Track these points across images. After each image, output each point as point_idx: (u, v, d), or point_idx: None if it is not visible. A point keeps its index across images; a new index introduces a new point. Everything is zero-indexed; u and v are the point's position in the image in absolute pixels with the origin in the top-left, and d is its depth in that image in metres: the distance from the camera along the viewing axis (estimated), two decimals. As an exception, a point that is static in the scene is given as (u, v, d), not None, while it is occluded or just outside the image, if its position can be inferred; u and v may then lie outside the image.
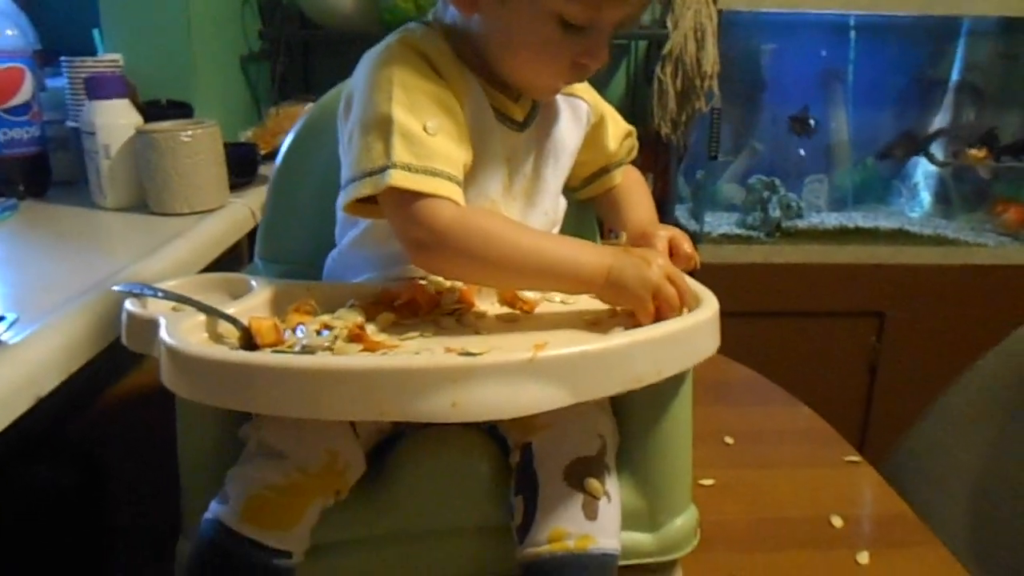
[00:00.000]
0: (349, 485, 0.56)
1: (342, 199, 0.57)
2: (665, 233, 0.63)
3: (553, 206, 0.66)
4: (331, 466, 0.54)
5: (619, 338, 0.49)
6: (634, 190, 0.71)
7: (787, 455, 0.87)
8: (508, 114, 0.62)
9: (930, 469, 0.95)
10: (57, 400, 0.68)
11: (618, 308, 0.59)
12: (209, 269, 0.93)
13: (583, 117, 0.68)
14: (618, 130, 0.70)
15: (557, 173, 0.66)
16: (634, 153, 0.72)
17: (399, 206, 0.54)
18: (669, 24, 1.54)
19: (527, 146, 0.64)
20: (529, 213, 0.64)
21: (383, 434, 0.61)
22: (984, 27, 1.84)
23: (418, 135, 0.54)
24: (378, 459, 0.59)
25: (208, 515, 0.53)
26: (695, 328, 0.53)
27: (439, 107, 0.56)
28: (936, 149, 1.89)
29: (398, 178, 0.52)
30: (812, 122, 1.80)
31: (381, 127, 0.55)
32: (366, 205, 0.56)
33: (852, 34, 1.82)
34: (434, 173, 0.54)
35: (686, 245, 0.62)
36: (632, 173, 0.73)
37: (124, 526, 0.73)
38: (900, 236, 1.74)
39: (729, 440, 0.89)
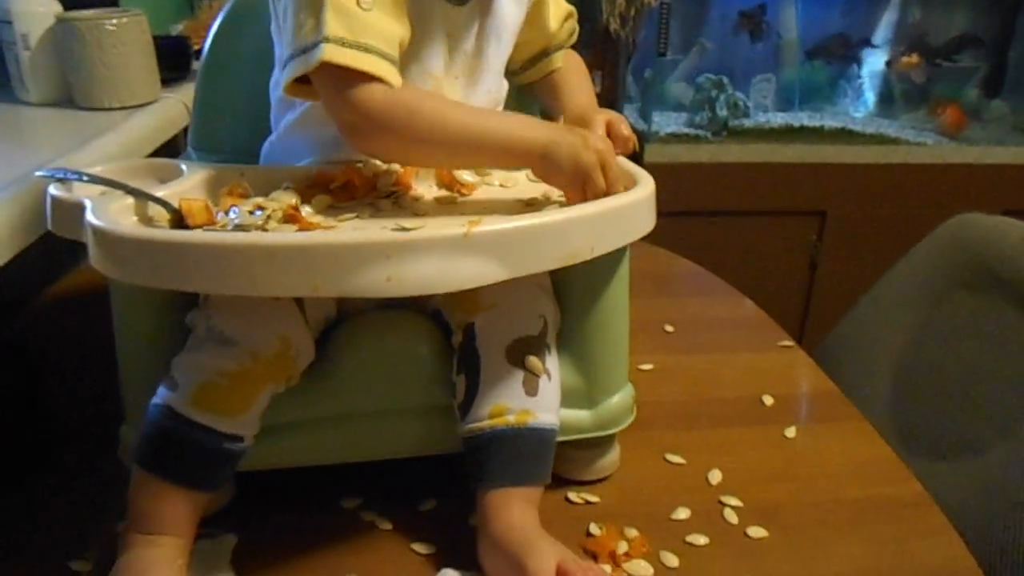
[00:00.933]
0: (300, 371, 0.57)
1: (282, 80, 0.55)
2: (602, 117, 0.63)
3: (496, 85, 0.65)
4: (283, 353, 0.54)
5: (554, 214, 0.50)
6: (574, 75, 0.70)
7: (724, 341, 0.90)
8: None
9: (859, 352, 1.00)
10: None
11: (555, 193, 0.59)
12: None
13: None
14: (559, 10, 0.69)
15: (499, 52, 0.64)
16: (574, 37, 0.71)
17: (332, 88, 0.53)
18: (618, -86, 1.49)
19: (468, 22, 0.62)
20: (471, 92, 0.63)
21: (330, 321, 0.61)
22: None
23: (351, 9, 0.52)
24: (323, 343, 0.60)
25: (157, 400, 0.53)
26: (630, 206, 0.54)
27: None
28: (876, 52, 1.90)
29: (329, 52, 0.51)
30: (764, 24, 1.79)
31: (312, 2, 0.53)
32: (305, 86, 0.54)
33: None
34: (367, 49, 0.52)
35: (623, 127, 0.62)
36: (572, 58, 0.71)
37: (65, 422, 0.73)
38: (844, 135, 1.76)
39: (669, 328, 0.92)
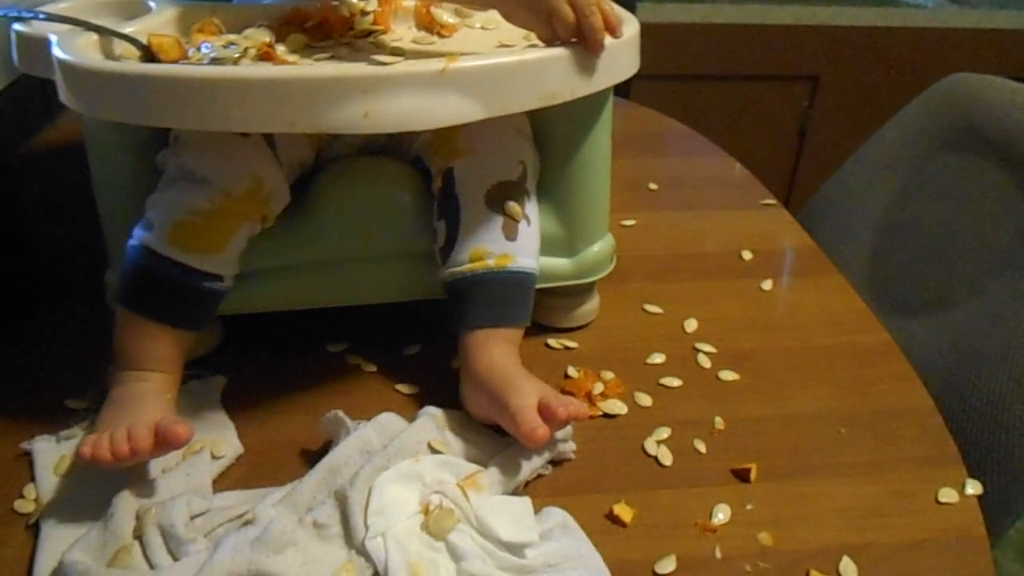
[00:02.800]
0: (275, 213, 0.57)
1: None
2: None
3: None
4: (256, 192, 0.54)
5: (534, 52, 0.49)
6: None
7: (708, 199, 0.90)
8: None
9: (841, 212, 1.00)
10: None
11: (535, 36, 0.57)
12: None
13: None
14: None
15: None
16: None
17: None
18: None
19: None
20: None
21: (305, 167, 0.61)
22: None
23: None
24: (302, 191, 0.60)
25: (133, 241, 0.53)
26: (613, 47, 0.52)
27: None
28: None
29: None
30: None
31: None
32: None
33: None
34: None
35: None
36: None
37: (53, 273, 0.73)
38: (842, -3, 1.70)
39: (653, 186, 0.92)
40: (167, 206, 0.53)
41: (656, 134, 1.07)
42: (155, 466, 0.51)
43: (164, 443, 0.48)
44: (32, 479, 0.52)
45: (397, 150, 0.61)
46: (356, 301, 0.62)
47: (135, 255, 0.53)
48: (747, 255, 0.79)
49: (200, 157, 0.53)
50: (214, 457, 0.53)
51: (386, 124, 0.45)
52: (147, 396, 0.51)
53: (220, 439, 0.55)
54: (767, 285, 0.75)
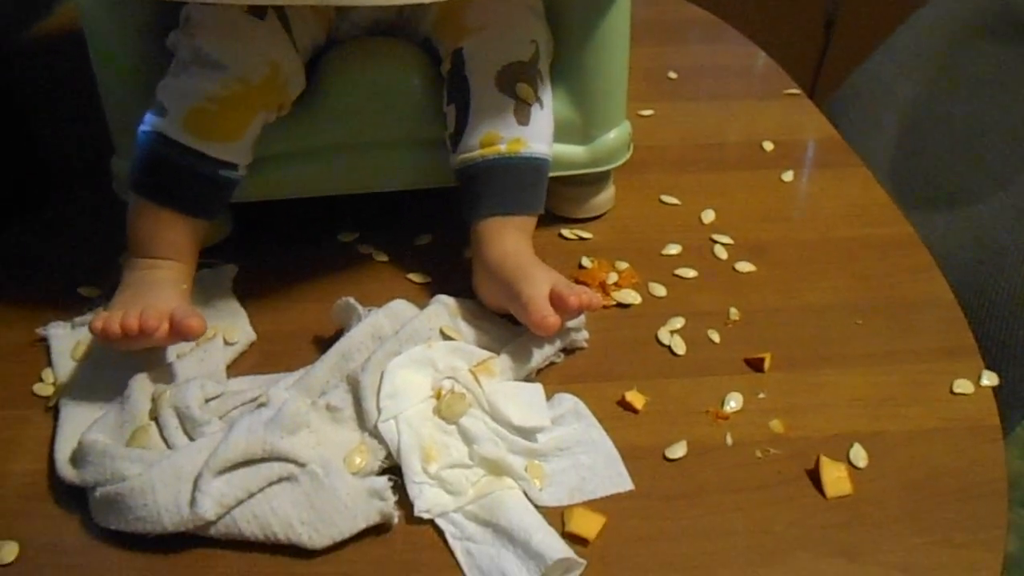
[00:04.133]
0: (291, 100, 0.55)
1: None
2: None
3: None
4: (273, 78, 0.53)
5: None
6: None
7: (729, 89, 0.87)
8: None
9: (868, 103, 0.97)
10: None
11: None
12: None
13: None
14: None
15: None
16: None
17: None
18: None
19: None
20: None
21: (318, 47, 0.59)
22: None
23: None
24: (313, 74, 0.58)
25: (146, 127, 0.52)
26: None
27: None
28: None
29: None
30: None
31: None
32: None
33: None
34: None
35: None
36: None
37: (60, 161, 0.72)
38: None
39: (672, 75, 0.88)
40: (181, 92, 0.51)
41: (677, 21, 1.03)
42: (170, 351, 0.52)
43: (177, 333, 0.48)
44: (49, 364, 0.53)
45: (406, 30, 0.59)
46: (366, 188, 0.60)
47: (148, 141, 0.52)
48: (768, 146, 0.77)
49: (215, 41, 0.51)
50: (227, 343, 0.54)
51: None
52: (162, 283, 0.51)
53: (232, 326, 0.55)
54: (788, 176, 0.73)
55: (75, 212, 0.66)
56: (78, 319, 0.55)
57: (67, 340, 0.54)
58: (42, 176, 0.69)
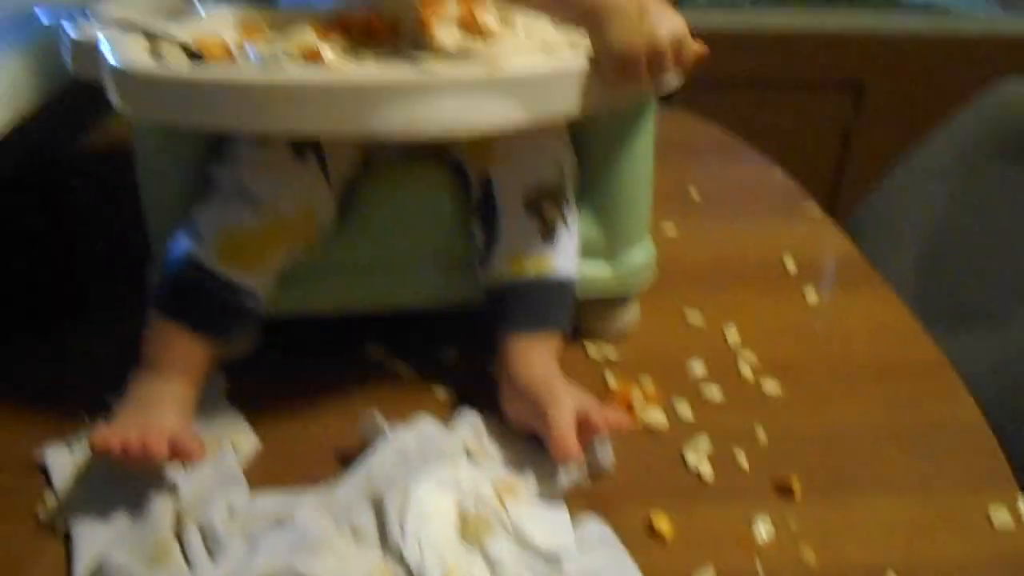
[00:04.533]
0: (322, 234, 0.57)
1: None
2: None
3: None
4: (308, 216, 0.55)
5: (581, 61, 0.48)
6: None
7: (750, 208, 0.89)
8: None
9: (887, 222, 0.98)
10: (18, 153, 0.67)
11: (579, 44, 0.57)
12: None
13: None
14: None
15: None
16: None
17: None
18: None
19: None
20: None
21: (351, 178, 0.61)
22: None
23: None
24: (344, 195, 0.60)
25: (177, 249, 0.54)
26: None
27: None
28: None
29: None
30: None
31: None
32: None
33: None
34: None
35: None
36: None
37: (98, 269, 0.74)
38: (887, 2, 1.67)
39: (694, 194, 0.91)
40: (217, 220, 0.53)
41: (697, 141, 1.06)
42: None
43: (176, 456, 0.48)
44: (49, 484, 0.52)
45: (437, 154, 0.61)
46: (393, 307, 0.62)
47: (177, 263, 0.54)
48: (790, 265, 0.78)
49: (257, 176, 0.53)
50: (236, 451, 0.54)
51: (431, 130, 0.45)
52: (167, 400, 0.52)
53: (237, 433, 0.56)
54: (811, 295, 0.73)
55: (109, 320, 0.68)
56: (77, 436, 0.55)
57: (68, 460, 0.53)
58: (77, 284, 0.71)
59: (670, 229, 0.83)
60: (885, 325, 0.70)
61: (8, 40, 0.62)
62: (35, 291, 0.67)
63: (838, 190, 1.78)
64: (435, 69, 0.46)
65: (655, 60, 0.48)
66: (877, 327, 0.70)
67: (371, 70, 0.48)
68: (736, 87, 1.61)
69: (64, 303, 0.69)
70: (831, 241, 0.83)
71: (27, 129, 0.61)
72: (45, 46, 0.62)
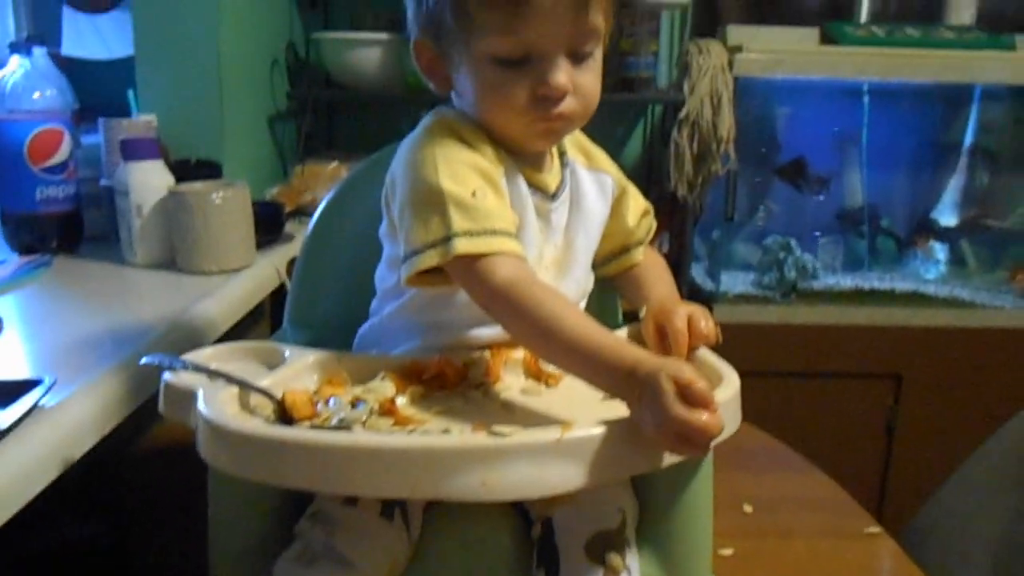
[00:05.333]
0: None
1: (405, 272, 0.58)
2: (684, 310, 0.63)
3: (584, 276, 0.68)
4: (392, 570, 0.56)
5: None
6: (653, 269, 0.72)
7: (806, 525, 0.87)
8: (539, 184, 0.65)
9: (951, 539, 0.95)
10: (83, 456, 0.69)
11: None
12: (235, 326, 0.95)
13: (608, 190, 0.70)
14: (637, 207, 0.72)
15: (588, 245, 0.67)
16: (652, 233, 0.74)
17: (467, 272, 0.57)
18: (686, 89, 1.57)
19: (559, 216, 0.66)
20: (561, 281, 0.66)
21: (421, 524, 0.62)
22: (997, 92, 1.87)
23: (469, 201, 0.57)
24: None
25: None
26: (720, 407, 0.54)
27: (480, 175, 0.59)
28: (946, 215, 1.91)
29: (462, 245, 0.56)
30: (810, 174, 1.82)
31: (434, 200, 0.57)
32: (427, 275, 0.58)
33: (866, 98, 1.85)
34: (493, 232, 0.57)
35: (705, 322, 0.62)
36: (651, 254, 0.74)
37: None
38: (917, 299, 1.74)
39: (748, 509, 0.89)
40: None
41: (743, 448, 1.06)
42: None
43: None
44: None
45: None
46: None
47: None
48: (856, 594, 0.74)
49: (348, 540, 0.55)
50: None
51: (502, 493, 0.46)
52: None
53: None
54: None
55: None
56: None
57: None
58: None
59: (726, 549, 0.81)
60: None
61: (103, 369, 0.67)
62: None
63: (885, 479, 1.75)
64: (507, 433, 0.48)
65: (695, 436, 0.47)
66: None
67: (445, 436, 0.50)
68: (773, 376, 1.65)
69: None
70: (895, 565, 0.80)
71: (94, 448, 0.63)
72: (130, 375, 0.67)
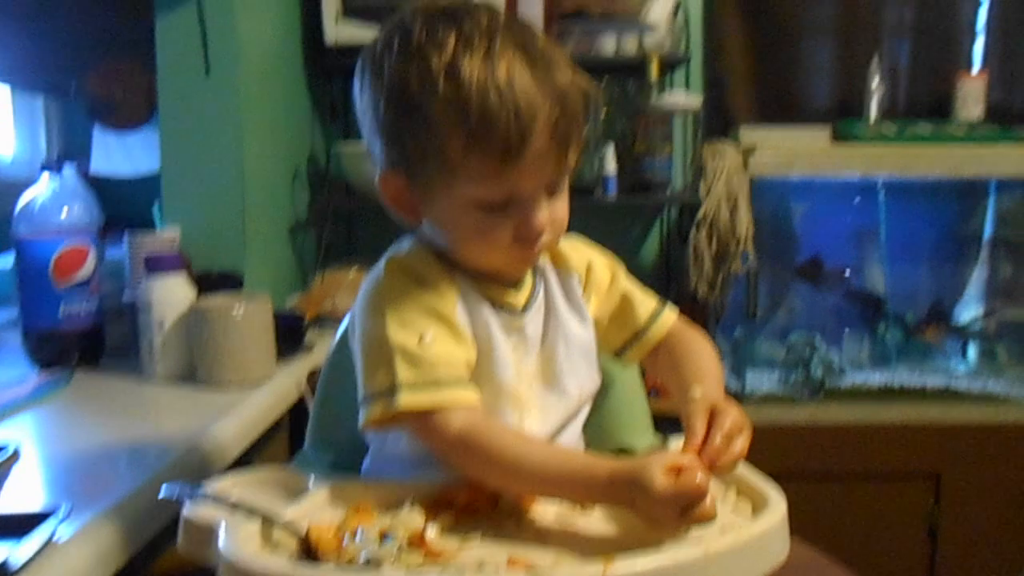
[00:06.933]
0: None
1: (360, 419, 0.60)
2: (731, 421, 0.58)
3: (577, 385, 0.66)
4: None
5: (690, 550, 0.48)
6: (689, 354, 0.68)
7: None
8: (505, 302, 0.64)
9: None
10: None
11: None
12: (255, 441, 0.93)
13: (576, 291, 0.68)
14: (646, 307, 0.70)
15: (570, 353, 0.66)
16: (669, 317, 0.71)
17: (415, 424, 0.58)
18: (702, 190, 1.58)
19: (533, 326, 0.65)
20: (549, 393, 0.64)
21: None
22: (1012, 184, 1.87)
23: (415, 351, 0.58)
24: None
25: None
26: (766, 534, 0.51)
27: (430, 317, 0.60)
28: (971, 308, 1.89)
29: (405, 401, 0.57)
30: (829, 272, 1.81)
31: (380, 350, 0.58)
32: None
33: (881, 193, 1.86)
34: (438, 384, 0.57)
35: (741, 442, 0.58)
36: (687, 332, 0.70)
37: None
38: (947, 394, 1.69)
39: (794, 631, 0.84)
40: None
41: (794, 566, 1.01)
42: None
43: None
44: None
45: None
46: None
47: None
48: None
49: None
50: None
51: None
52: None
53: None
54: None
55: None
56: None
57: None
58: None
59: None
60: None
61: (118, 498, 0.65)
62: None
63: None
64: (544, 569, 0.45)
65: (695, 497, 0.50)
66: None
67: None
68: (808, 480, 1.59)
69: None
70: None
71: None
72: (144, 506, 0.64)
